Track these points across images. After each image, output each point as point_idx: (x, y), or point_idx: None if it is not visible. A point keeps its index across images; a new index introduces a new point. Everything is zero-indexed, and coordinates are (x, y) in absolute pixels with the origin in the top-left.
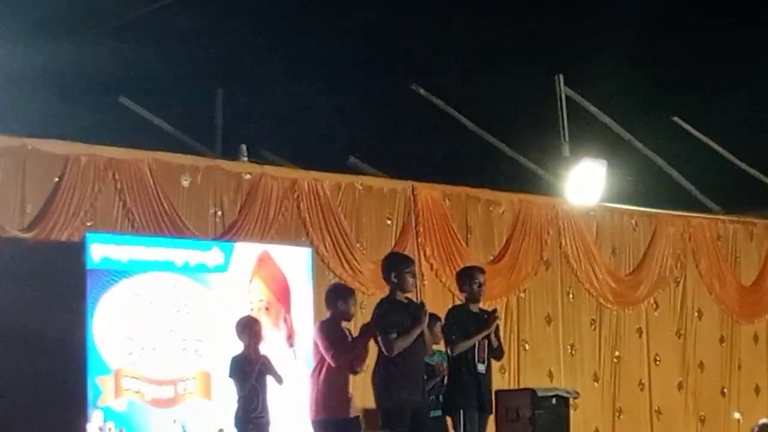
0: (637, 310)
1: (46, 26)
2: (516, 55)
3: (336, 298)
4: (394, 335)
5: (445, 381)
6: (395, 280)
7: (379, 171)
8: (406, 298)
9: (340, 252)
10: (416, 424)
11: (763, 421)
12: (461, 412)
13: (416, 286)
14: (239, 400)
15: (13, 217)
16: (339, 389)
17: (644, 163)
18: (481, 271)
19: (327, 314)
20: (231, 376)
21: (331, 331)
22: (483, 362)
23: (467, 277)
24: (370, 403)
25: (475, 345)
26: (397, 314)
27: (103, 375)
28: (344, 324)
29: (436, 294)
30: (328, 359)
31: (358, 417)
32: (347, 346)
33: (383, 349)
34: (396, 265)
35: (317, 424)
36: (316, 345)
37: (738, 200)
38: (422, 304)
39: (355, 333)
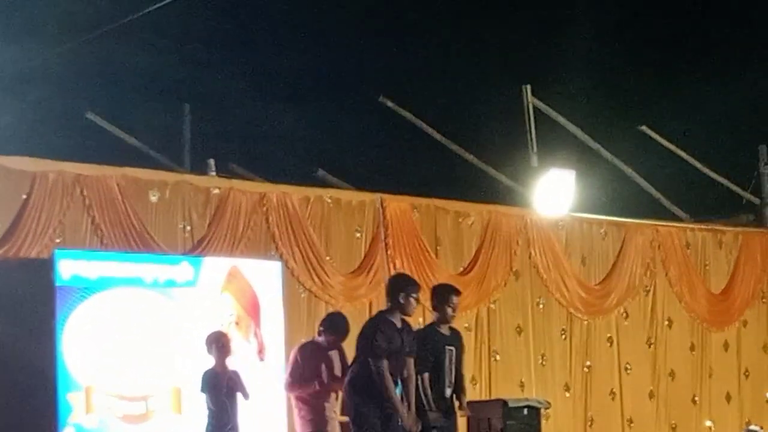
0: (608, 320)
1: (13, 41)
2: (483, 67)
3: (334, 328)
4: (384, 362)
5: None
6: (401, 301)
7: (348, 183)
8: (402, 320)
9: (309, 265)
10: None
11: (752, 427)
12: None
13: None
14: (209, 415)
15: None
16: (318, 407)
17: (613, 173)
18: (458, 293)
19: (317, 337)
20: (203, 390)
21: (305, 356)
22: (450, 386)
23: (443, 298)
24: None
25: (444, 369)
26: (388, 336)
27: (74, 392)
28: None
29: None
30: (284, 383)
31: None
32: (303, 382)
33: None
34: (405, 287)
35: None
36: (292, 364)
37: (706, 208)
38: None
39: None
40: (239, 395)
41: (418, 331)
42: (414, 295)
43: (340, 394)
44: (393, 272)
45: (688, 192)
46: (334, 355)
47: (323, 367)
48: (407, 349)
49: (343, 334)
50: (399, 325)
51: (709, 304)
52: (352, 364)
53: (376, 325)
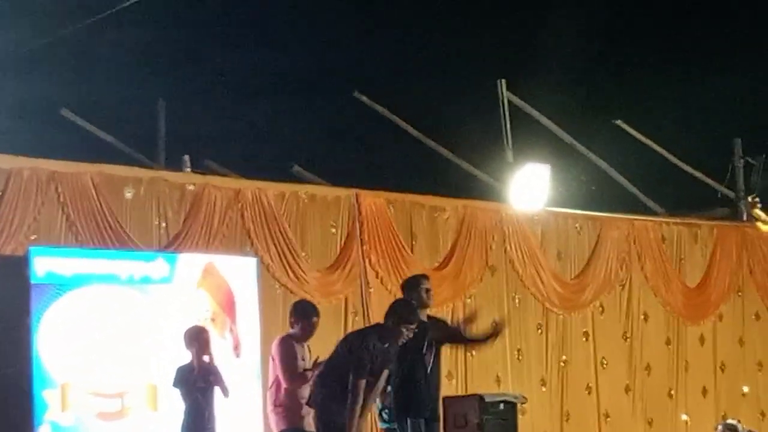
0: (583, 314)
1: None
2: (458, 61)
3: (301, 316)
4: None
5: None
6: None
7: (323, 179)
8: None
9: (285, 261)
10: None
11: (729, 421)
12: (408, 421)
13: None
14: (185, 411)
15: None
16: (294, 404)
17: (588, 167)
18: (425, 276)
19: (290, 329)
20: (175, 385)
21: (287, 351)
22: (428, 369)
23: (413, 286)
24: None
25: (422, 355)
26: (372, 356)
27: (50, 389)
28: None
29: (381, 301)
30: (283, 380)
31: None
32: (301, 374)
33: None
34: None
35: None
36: (272, 360)
37: (682, 202)
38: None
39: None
40: (216, 391)
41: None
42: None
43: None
44: (372, 267)
45: (663, 186)
46: (304, 349)
47: (299, 359)
48: (383, 369)
49: (310, 330)
50: (386, 346)
51: (685, 298)
52: (328, 362)
53: (364, 343)
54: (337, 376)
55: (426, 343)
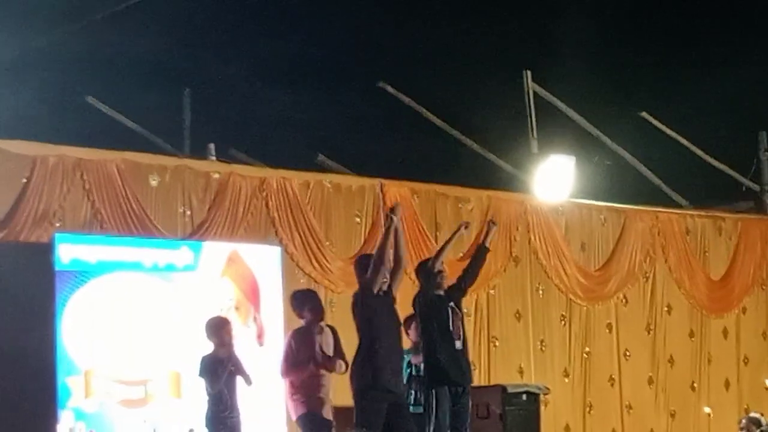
0: (607, 306)
1: (10, 26)
2: (483, 52)
3: (303, 304)
4: None
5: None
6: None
7: (348, 169)
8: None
9: (309, 250)
10: (393, 421)
11: (752, 414)
12: (433, 393)
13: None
14: (209, 400)
15: None
16: (313, 389)
17: (613, 159)
18: (438, 259)
19: (302, 321)
20: (201, 375)
21: (298, 343)
22: (459, 338)
23: (427, 267)
24: (344, 401)
25: (449, 324)
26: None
27: (73, 376)
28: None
29: (405, 290)
30: (280, 366)
31: (330, 421)
32: (302, 364)
33: None
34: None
35: (302, 419)
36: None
37: (706, 195)
38: None
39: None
40: (239, 380)
41: (416, 300)
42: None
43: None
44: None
45: (687, 178)
46: (325, 335)
47: (316, 349)
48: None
49: (321, 313)
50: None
51: (709, 290)
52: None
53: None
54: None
55: (449, 313)
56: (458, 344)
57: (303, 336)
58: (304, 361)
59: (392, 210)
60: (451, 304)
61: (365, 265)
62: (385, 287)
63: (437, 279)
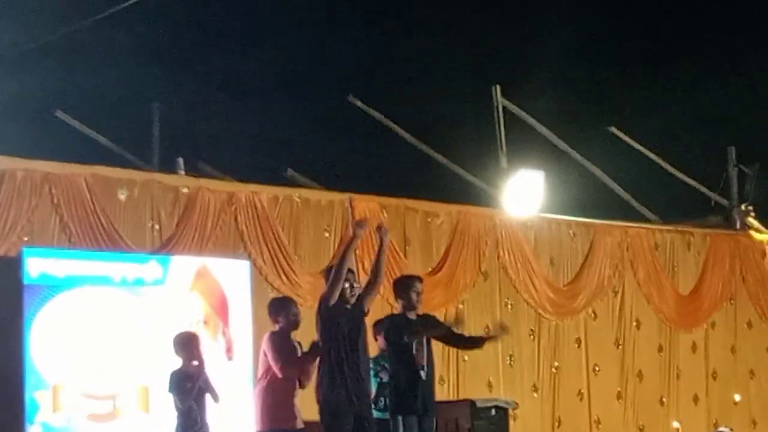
0: (576, 321)
1: None
2: (453, 67)
3: (278, 311)
4: None
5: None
6: (412, 298)
7: (317, 183)
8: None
9: (278, 264)
10: (359, 429)
11: (721, 429)
12: (400, 419)
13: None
14: (178, 416)
15: None
16: (285, 400)
17: (582, 174)
18: (419, 279)
19: (275, 327)
20: (170, 390)
21: (280, 342)
22: (423, 368)
23: (405, 287)
24: (313, 415)
25: (413, 351)
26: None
27: (42, 390)
28: (293, 334)
29: (374, 306)
30: (276, 370)
31: (303, 429)
32: (296, 359)
33: None
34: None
35: None
36: (264, 355)
37: (675, 210)
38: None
39: (305, 346)
40: (209, 396)
41: (385, 320)
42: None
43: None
44: (365, 272)
45: (657, 193)
46: (295, 341)
47: (297, 353)
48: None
49: (297, 324)
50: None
51: (678, 305)
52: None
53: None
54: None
55: (416, 341)
56: (422, 374)
57: (281, 338)
58: (285, 356)
59: (358, 223)
60: (419, 330)
61: (326, 277)
62: (352, 300)
63: (412, 300)
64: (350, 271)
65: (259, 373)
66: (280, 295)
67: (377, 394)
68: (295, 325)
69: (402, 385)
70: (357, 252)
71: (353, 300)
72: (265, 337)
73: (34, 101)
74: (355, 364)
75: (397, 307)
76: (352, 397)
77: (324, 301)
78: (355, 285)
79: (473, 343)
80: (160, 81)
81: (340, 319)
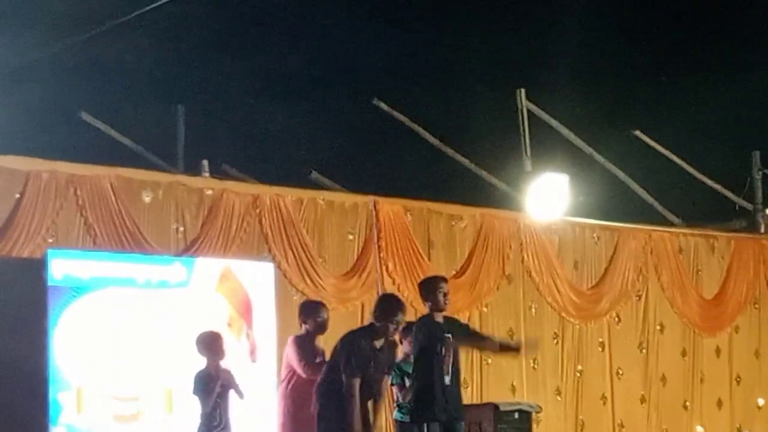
0: (600, 324)
1: (4, 40)
2: (477, 70)
3: (308, 314)
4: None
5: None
6: (439, 300)
7: (341, 186)
8: (383, 338)
9: (302, 267)
10: None
11: None
12: (425, 426)
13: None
14: (202, 416)
15: None
16: (308, 404)
17: (606, 177)
18: (445, 280)
19: (301, 329)
20: (195, 392)
21: (303, 345)
22: (448, 374)
23: (431, 288)
24: None
25: (440, 357)
26: (363, 357)
27: (65, 391)
28: (319, 338)
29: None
30: (299, 369)
31: None
32: (317, 363)
33: None
34: (435, 287)
35: None
36: (286, 357)
37: (699, 213)
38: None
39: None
40: (232, 395)
41: (414, 323)
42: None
43: None
44: (389, 274)
45: (681, 197)
46: (318, 346)
47: (314, 356)
48: (382, 368)
49: (323, 329)
50: (378, 344)
51: (701, 309)
52: (327, 363)
53: (353, 342)
54: (332, 379)
55: (443, 345)
56: (447, 379)
57: (304, 341)
58: (307, 359)
59: None
60: (448, 336)
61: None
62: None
63: (440, 301)
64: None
65: (282, 375)
66: (313, 299)
67: (400, 399)
68: (322, 329)
69: (425, 390)
70: (381, 255)
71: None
72: (289, 340)
73: (58, 103)
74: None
75: (425, 310)
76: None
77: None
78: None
79: (504, 350)
80: (184, 83)
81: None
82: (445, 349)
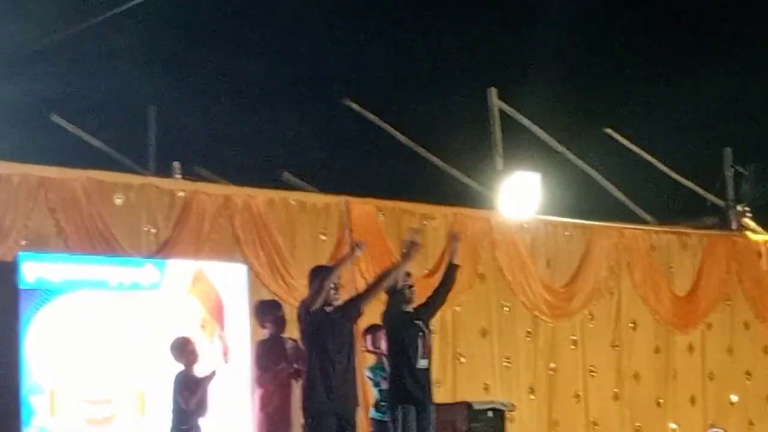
0: (572, 322)
1: None
2: (449, 70)
3: (265, 314)
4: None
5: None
6: (406, 294)
7: (313, 186)
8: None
9: (274, 268)
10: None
11: (718, 430)
12: (400, 409)
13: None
14: (174, 418)
15: None
16: (282, 407)
17: (578, 175)
18: (408, 273)
19: (264, 333)
20: (176, 393)
21: (264, 350)
22: (425, 357)
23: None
24: None
25: (419, 342)
26: None
27: (38, 395)
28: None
29: (371, 308)
30: (256, 383)
31: None
32: (278, 369)
33: None
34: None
35: None
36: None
37: (671, 211)
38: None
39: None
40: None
41: (384, 316)
42: (407, 283)
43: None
44: (361, 275)
45: (652, 194)
46: (291, 350)
47: (287, 356)
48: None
49: (283, 326)
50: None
51: (674, 306)
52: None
53: None
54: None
55: (414, 331)
56: (423, 363)
57: (269, 345)
58: (274, 364)
59: (357, 244)
60: (419, 322)
61: (313, 278)
62: (335, 304)
63: (405, 294)
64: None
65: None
66: (266, 299)
67: (379, 400)
68: (282, 328)
69: (405, 377)
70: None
71: (335, 303)
72: (256, 345)
73: (29, 105)
74: (337, 366)
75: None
76: (334, 400)
77: (305, 306)
78: (338, 287)
79: (450, 274)
80: (155, 85)
81: (324, 324)
82: (420, 334)
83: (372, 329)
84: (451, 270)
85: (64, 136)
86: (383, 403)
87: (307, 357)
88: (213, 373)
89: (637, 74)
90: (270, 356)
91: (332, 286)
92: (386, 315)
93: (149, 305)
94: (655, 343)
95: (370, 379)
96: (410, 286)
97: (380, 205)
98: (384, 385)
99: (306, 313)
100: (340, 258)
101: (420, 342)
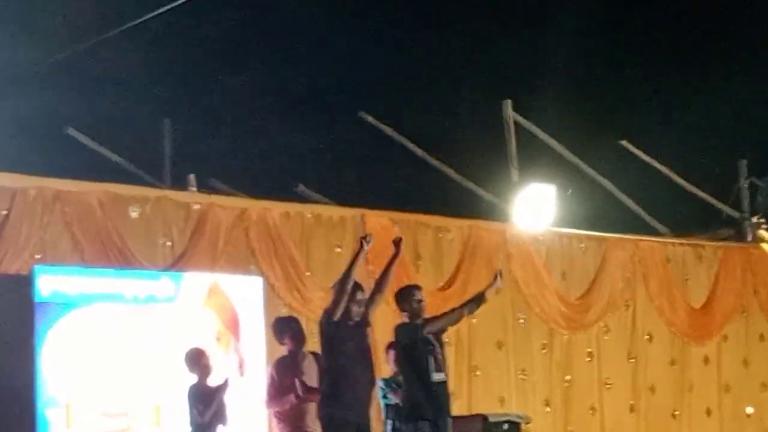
0: (588, 334)
1: None
2: (463, 81)
3: (283, 331)
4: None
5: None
6: (414, 307)
7: (328, 199)
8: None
9: (290, 281)
10: None
11: None
12: (413, 426)
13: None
14: (193, 429)
15: None
16: (298, 420)
17: (593, 187)
18: (418, 287)
19: (284, 350)
20: (191, 406)
21: (279, 371)
22: (440, 371)
23: (405, 296)
24: None
25: (431, 356)
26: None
27: (54, 408)
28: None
29: (387, 321)
30: (266, 402)
31: None
32: (279, 394)
33: None
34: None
35: None
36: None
37: (686, 223)
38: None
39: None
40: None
41: (396, 331)
42: (416, 298)
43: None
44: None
45: (668, 206)
46: (308, 365)
47: (296, 381)
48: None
49: (302, 341)
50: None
51: (690, 318)
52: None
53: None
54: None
55: (424, 346)
56: (437, 377)
57: (285, 366)
58: (286, 391)
59: (364, 238)
60: (429, 336)
61: (336, 291)
62: (357, 317)
63: (414, 309)
64: (358, 286)
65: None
66: (283, 315)
67: (386, 416)
68: (302, 344)
69: (418, 393)
70: (369, 268)
71: (358, 316)
72: (272, 364)
73: (45, 119)
74: (358, 384)
75: (403, 319)
76: (352, 411)
77: (327, 315)
78: (360, 299)
79: (476, 302)
80: (171, 98)
81: (344, 336)
82: (431, 348)
83: (391, 346)
84: (479, 299)
85: (80, 149)
86: (389, 422)
87: (326, 367)
88: (226, 383)
89: (652, 86)
90: (288, 374)
91: (354, 299)
92: (396, 331)
93: (165, 318)
94: (670, 355)
95: (381, 388)
96: (419, 301)
97: (395, 218)
98: (392, 397)
99: (328, 323)
100: (351, 258)
101: (431, 356)
